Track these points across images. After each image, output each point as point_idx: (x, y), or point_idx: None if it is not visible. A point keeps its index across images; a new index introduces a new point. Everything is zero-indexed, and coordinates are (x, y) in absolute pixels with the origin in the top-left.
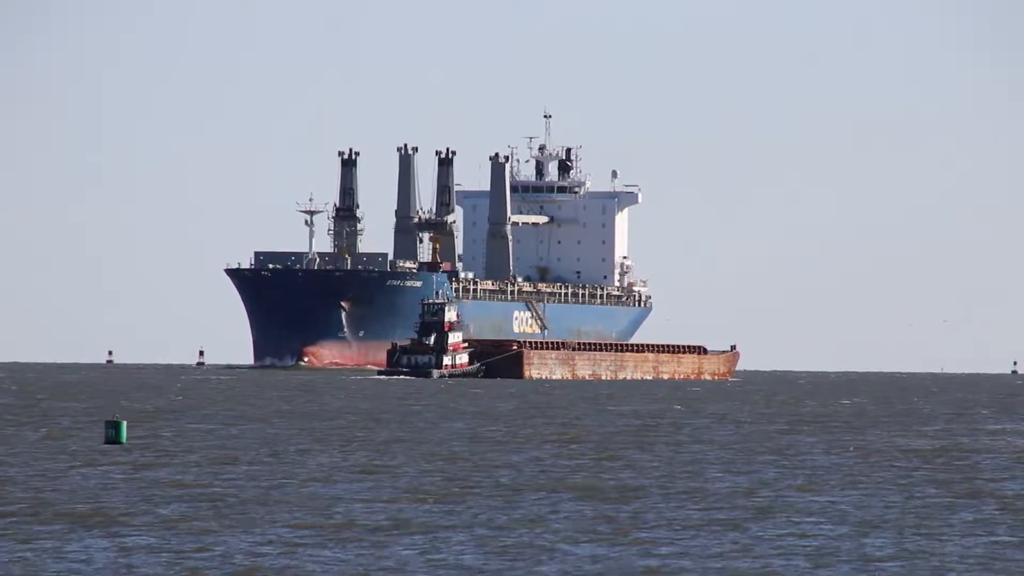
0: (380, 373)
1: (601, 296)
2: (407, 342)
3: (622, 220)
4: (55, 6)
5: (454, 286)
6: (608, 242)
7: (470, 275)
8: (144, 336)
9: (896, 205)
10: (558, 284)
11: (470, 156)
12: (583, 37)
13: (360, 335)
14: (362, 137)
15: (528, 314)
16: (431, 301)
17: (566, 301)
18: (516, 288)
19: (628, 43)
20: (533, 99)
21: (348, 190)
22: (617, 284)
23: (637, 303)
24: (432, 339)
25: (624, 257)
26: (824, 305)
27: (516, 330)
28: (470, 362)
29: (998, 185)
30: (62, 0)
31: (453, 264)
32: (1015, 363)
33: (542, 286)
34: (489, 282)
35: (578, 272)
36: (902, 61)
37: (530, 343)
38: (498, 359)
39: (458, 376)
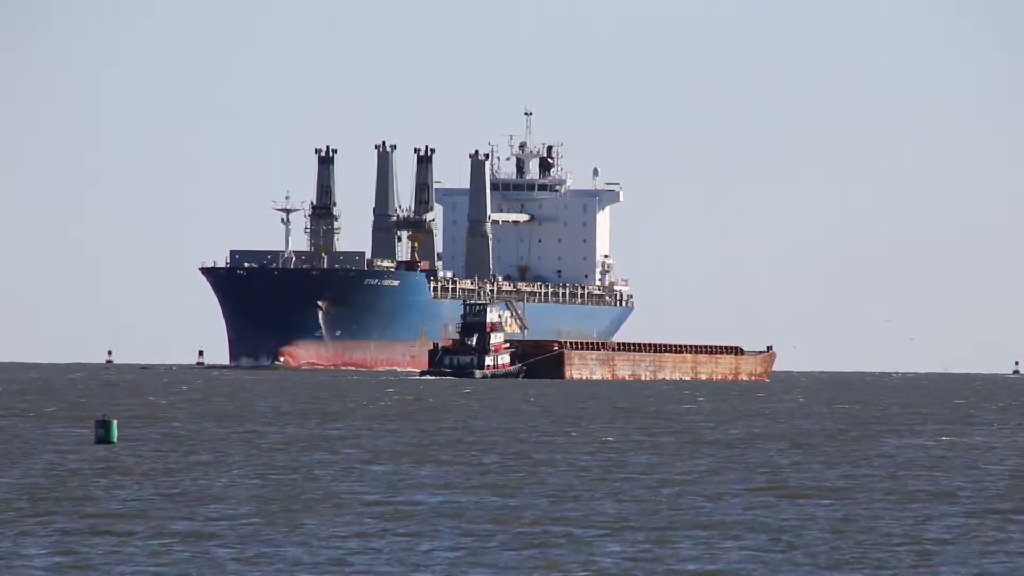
0: (423, 373)
1: (582, 295)
2: (449, 342)
3: (603, 218)
4: (55, 6)
5: (433, 285)
6: (589, 241)
7: (449, 274)
8: (144, 336)
9: (895, 204)
10: (538, 283)
11: (449, 154)
12: (564, 34)
13: (337, 335)
14: (340, 134)
15: (508, 313)
16: (473, 302)
17: (547, 300)
18: (496, 287)
19: (610, 41)
20: (514, 96)
21: (325, 188)
22: (598, 283)
23: (618, 302)
24: (474, 339)
25: (605, 256)
26: (813, 304)
27: None
28: (511, 362)
29: (998, 185)
30: (62, 0)
31: (432, 263)
32: (1016, 363)
33: (522, 285)
34: (468, 281)
35: (559, 271)
36: (902, 61)
37: (570, 343)
38: (539, 359)
39: (500, 376)
